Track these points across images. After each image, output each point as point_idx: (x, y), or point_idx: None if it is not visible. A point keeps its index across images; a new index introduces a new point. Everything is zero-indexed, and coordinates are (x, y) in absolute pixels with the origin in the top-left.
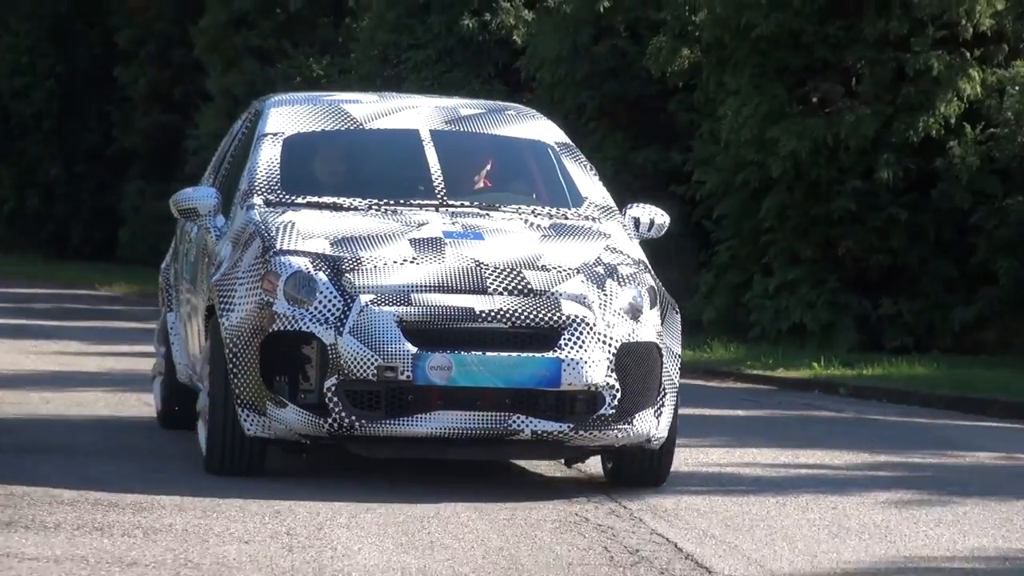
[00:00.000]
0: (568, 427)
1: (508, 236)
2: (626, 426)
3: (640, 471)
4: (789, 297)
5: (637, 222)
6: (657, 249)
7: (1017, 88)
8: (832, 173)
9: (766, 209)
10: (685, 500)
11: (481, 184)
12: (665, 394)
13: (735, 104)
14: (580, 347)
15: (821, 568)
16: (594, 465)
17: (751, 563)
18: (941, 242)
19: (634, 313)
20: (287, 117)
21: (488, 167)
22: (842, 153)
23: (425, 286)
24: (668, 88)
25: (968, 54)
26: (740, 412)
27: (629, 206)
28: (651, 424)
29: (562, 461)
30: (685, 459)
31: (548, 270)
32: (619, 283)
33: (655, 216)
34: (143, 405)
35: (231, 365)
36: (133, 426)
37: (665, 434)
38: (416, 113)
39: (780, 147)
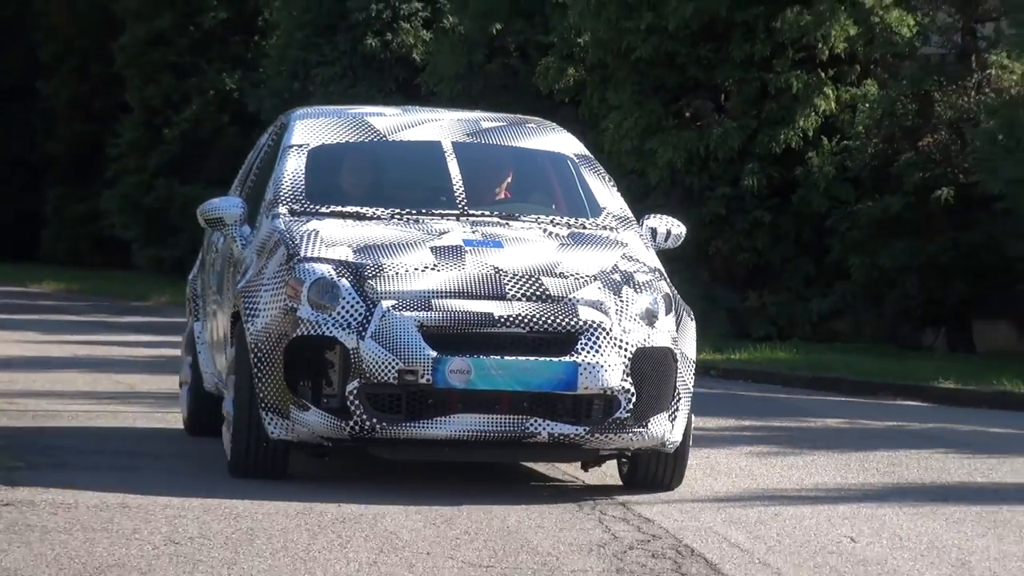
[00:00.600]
0: (584, 430)
1: (527, 244)
2: (641, 430)
3: (654, 475)
4: None
5: (654, 232)
6: None
7: (867, 104)
8: (704, 180)
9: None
10: None
11: (502, 195)
12: (680, 399)
13: (617, 118)
14: (596, 351)
15: (698, 496)
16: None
17: (642, 493)
18: (801, 242)
19: (650, 319)
20: (312, 129)
21: (509, 178)
22: (712, 163)
23: (445, 292)
24: (555, 103)
25: (824, 74)
26: None
27: (647, 217)
28: (666, 428)
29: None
30: None
31: (566, 277)
32: (635, 290)
33: (671, 227)
34: (116, 384)
35: (255, 369)
36: (115, 399)
37: (679, 438)
38: (438, 126)
39: (658, 157)
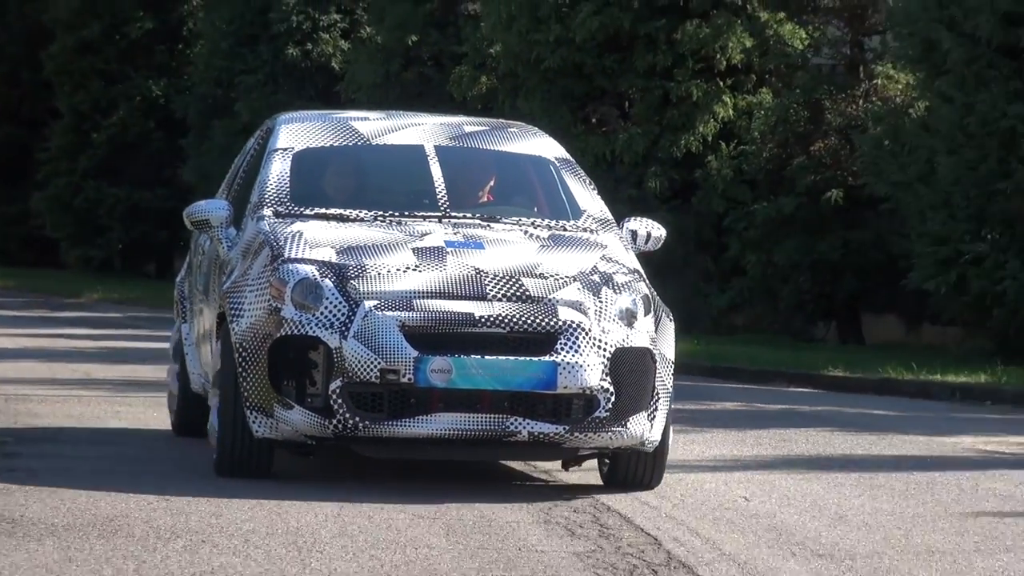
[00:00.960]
0: (564, 429)
1: (508, 246)
2: (620, 429)
3: (634, 473)
4: None
5: (634, 234)
6: None
7: (763, 112)
8: (610, 183)
9: None
10: None
11: (485, 198)
12: (658, 399)
13: None
14: (576, 351)
15: None
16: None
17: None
18: (701, 240)
19: (629, 320)
20: (297, 133)
21: (491, 182)
22: (618, 166)
23: (427, 292)
24: (469, 111)
25: (722, 83)
26: None
27: (627, 220)
28: (644, 427)
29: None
30: None
31: (546, 278)
32: (614, 291)
33: (652, 229)
34: (72, 372)
35: (240, 369)
36: (76, 385)
37: (658, 438)
38: (421, 130)
39: None
